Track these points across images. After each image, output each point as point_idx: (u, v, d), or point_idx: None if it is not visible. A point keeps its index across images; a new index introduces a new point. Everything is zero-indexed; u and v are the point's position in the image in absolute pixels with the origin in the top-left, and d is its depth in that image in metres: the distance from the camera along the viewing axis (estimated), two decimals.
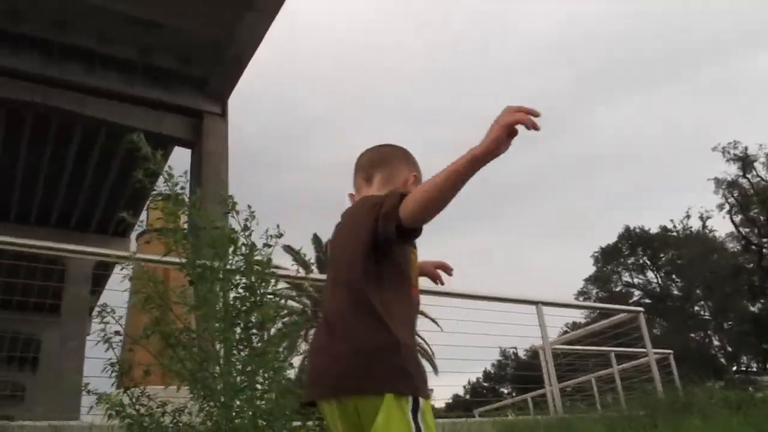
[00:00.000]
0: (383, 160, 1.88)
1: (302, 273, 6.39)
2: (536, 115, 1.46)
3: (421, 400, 1.54)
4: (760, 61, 56.15)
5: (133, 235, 22.53)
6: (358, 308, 1.59)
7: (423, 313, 17.65)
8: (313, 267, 22.79)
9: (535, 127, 1.46)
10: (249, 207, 2.29)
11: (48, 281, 15.45)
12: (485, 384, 41.86)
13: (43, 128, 17.53)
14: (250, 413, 1.88)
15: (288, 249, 19.55)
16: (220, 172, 17.01)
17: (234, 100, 17.63)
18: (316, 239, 22.45)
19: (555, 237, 63.36)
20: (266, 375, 1.99)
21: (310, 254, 22.24)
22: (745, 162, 32.84)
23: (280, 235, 2.31)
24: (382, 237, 1.58)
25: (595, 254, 41.66)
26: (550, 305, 6.70)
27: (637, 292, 41.59)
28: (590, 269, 41.92)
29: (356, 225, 1.65)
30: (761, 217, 33.67)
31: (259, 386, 2.02)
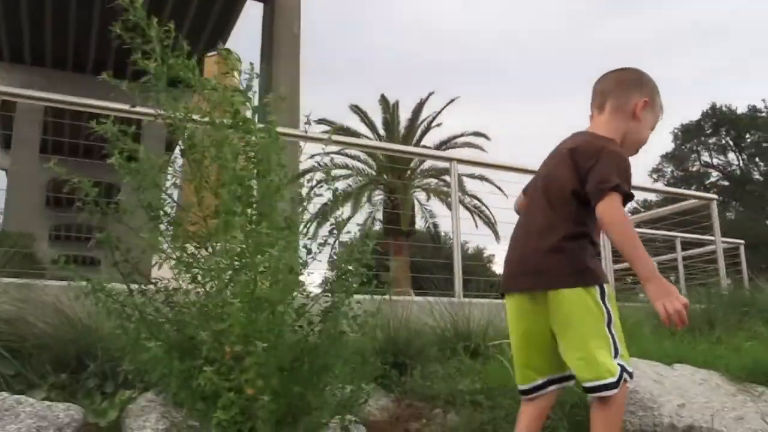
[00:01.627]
0: (615, 87, 2.09)
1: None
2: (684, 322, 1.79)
3: (606, 286, 1.91)
4: None
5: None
6: (561, 225, 1.94)
7: (488, 180, 17.25)
8: (381, 129, 22.52)
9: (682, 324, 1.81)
10: (251, 64, 1.94)
11: None
12: None
13: None
14: (240, 299, 1.66)
15: (356, 109, 19.04)
16: (292, 27, 16.54)
17: None
18: (383, 100, 22.04)
19: None
20: (263, 256, 1.74)
21: (377, 115, 21.95)
22: None
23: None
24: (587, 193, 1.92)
25: (675, 131, 39.82)
26: None
27: (715, 174, 40.01)
28: (668, 146, 40.29)
29: (576, 163, 1.95)
30: None
31: (262, 269, 1.78)
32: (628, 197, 1.89)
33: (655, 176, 39.20)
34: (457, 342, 3.22)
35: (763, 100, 37.36)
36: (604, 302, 1.88)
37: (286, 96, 18.22)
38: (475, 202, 21.10)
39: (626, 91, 2.08)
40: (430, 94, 22.31)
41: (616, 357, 1.84)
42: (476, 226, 20.68)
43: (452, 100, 22.28)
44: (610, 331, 1.87)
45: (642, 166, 39.94)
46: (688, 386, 2.30)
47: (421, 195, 22.92)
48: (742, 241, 9.36)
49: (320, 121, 20.28)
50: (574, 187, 1.94)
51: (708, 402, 2.23)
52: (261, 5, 17.24)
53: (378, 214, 22.18)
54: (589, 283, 1.89)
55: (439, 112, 22.22)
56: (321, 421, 1.88)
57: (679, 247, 8.57)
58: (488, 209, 20.08)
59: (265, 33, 19.11)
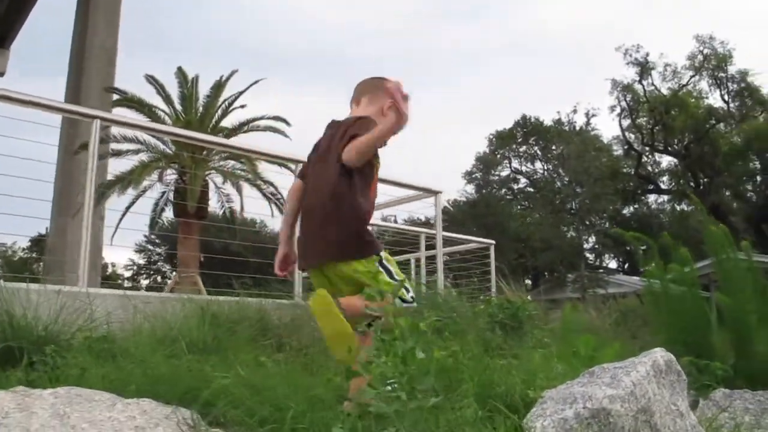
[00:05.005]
0: (369, 88, 2.53)
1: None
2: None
3: (382, 254, 2.32)
4: None
5: None
6: (336, 204, 2.26)
7: (288, 168, 16.55)
8: (177, 102, 20.94)
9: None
10: None
11: None
12: None
13: None
14: None
15: (151, 80, 17.22)
16: None
17: None
18: (181, 73, 20.42)
19: (460, 117, 62.51)
20: None
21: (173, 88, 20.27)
22: (644, 68, 32.56)
23: None
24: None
25: (491, 136, 41.34)
26: None
27: (523, 180, 42.00)
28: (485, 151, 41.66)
29: (337, 144, 2.32)
30: (648, 125, 33.97)
31: None
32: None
33: (467, 178, 40.48)
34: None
35: (558, 112, 39.59)
36: (383, 265, 2.30)
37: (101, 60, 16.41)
38: (272, 189, 20.19)
39: (377, 92, 2.44)
40: (233, 72, 20.83)
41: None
42: (272, 214, 19.92)
43: (256, 81, 21.08)
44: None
45: (459, 167, 41.07)
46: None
47: (218, 178, 21.69)
48: (492, 242, 9.27)
49: (109, 90, 18.46)
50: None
51: None
52: None
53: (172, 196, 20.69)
54: (370, 254, 2.29)
55: (243, 92, 20.82)
56: None
57: (423, 244, 8.24)
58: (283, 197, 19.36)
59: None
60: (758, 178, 31.91)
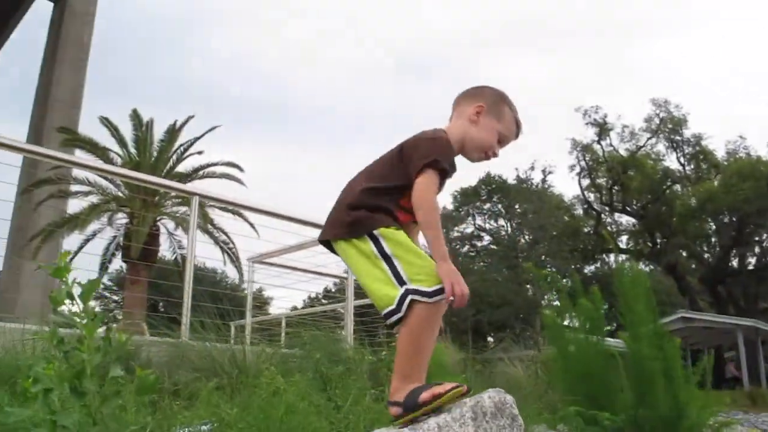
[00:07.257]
0: (461, 98, 2.40)
1: None
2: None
3: (376, 231, 1.99)
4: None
5: None
6: (364, 194, 2.08)
7: (242, 216, 16.32)
8: (131, 145, 20.55)
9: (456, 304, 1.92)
10: None
11: None
12: None
13: None
14: None
15: (105, 122, 16.85)
16: (82, 35, 14.95)
17: None
18: (135, 116, 20.14)
19: None
20: None
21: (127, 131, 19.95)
22: (602, 129, 33.06)
23: None
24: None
25: (455, 194, 41.51)
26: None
27: (487, 237, 42.01)
28: (450, 207, 41.80)
29: (405, 153, 2.14)
30: (607, 185, 34.32)
31: None
32: (444, 172, 2.07)
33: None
34: None
35: (516, 169, 39.78)
36: (378, 244, 1.97)
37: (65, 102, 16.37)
38: (224, 237, 19.84)
39: (467, 99, 2.36)
40: (190, 117, 20.72)
41: (402, 285, 1.91)
42: (224, 263, 19.56)
43: (213, 128, 20.94)
44: (388, 264, 1.94)
45: None
46: None
47: (171, 223, 21.23)
48: None
49: (61, 130, 18.20)
50: (388, 170, 2.12)
51: None
52: (51, 4, 15.41)
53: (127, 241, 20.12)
54: (360, 234, 2.00)
55: (199, 138, 20.74)
56: None
57: (350, 292, 7.90)
58: (235, 246, 18.99)
59: (52, 35, 17.23)
60: (713, 239, 32.29)
